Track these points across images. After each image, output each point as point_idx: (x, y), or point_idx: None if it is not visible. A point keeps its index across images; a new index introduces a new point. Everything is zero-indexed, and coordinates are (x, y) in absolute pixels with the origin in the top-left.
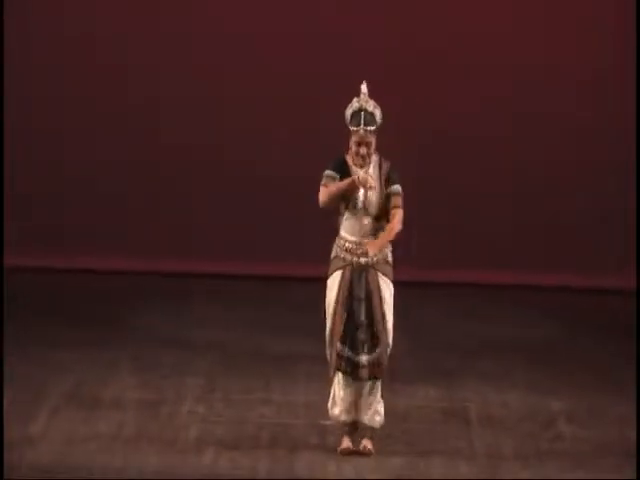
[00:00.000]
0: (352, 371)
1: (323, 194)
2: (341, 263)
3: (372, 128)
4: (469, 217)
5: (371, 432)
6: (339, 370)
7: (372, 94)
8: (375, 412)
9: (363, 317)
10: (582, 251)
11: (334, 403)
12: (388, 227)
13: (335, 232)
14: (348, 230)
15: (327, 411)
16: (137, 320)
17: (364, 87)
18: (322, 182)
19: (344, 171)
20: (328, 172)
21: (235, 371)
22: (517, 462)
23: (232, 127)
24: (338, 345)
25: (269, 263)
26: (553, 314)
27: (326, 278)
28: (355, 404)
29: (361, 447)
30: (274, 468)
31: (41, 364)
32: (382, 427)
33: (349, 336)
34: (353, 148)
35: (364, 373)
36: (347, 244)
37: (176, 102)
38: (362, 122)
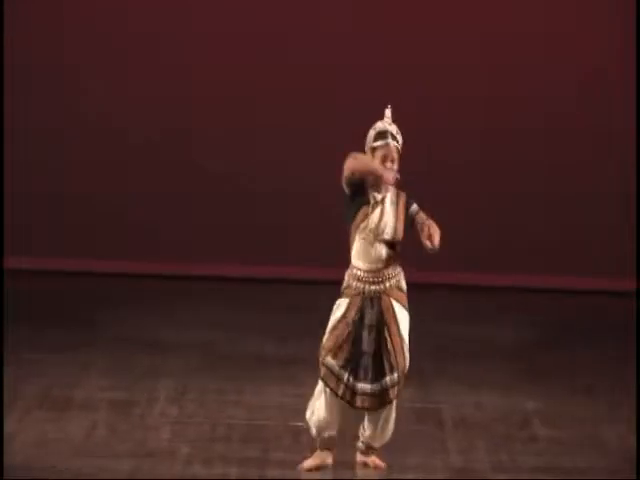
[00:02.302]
0: (350, 397)
1: (354, 161)
2: (352, 292)
3: (398, 145)
4: (444, 216)
5: (375, 449)
6: (334, 392)
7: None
8: (382, 436)
9: (369, 345)
10: (559, 254)
11: (313, 414)
12: (434, 227)
13: (347, 262)
14: (361, 257)
15: (299, 413)
16: (110, 321)
17: (388, 112)
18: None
19: (362, 195)
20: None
21: (207, 372)
22: (491, 463)
23: (219, 129)
24: (332, 363)
25: (242, 265)
26: (528, 316)
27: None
28: (337, 421)
29: (371, 464)
30: (246, 469)
31: (13, 365)
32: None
33: (352, 363)
34: (382, 165)
35: (365, 402)
36: (359, 272)
37: (170, 103)
38: (389, 137)
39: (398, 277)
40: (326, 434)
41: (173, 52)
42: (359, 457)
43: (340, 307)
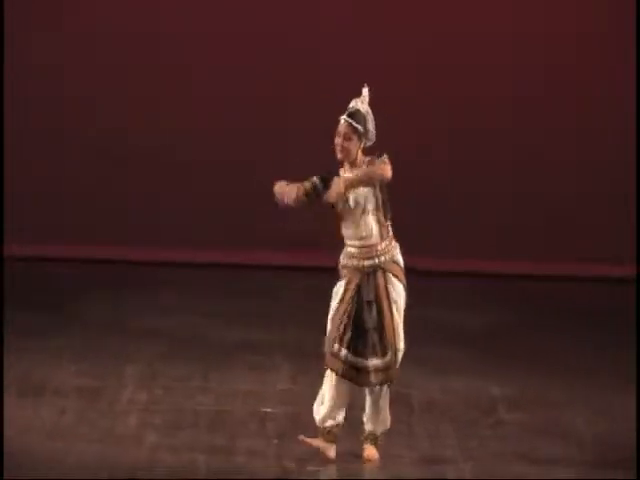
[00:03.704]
0: (357, 377)
1: (292, 191)
2: (347, 271)
3: (354, 123)
4: (419, 202)
5: (375, 438)
6: (335, 373)
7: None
8: (384, 419)
9: (372, 321)
10: (529, 238)
11: (321, 404)
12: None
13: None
14: (349, 235)
15: (265, 399)
16: (78, 307)
17: (365, 91)
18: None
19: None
20: (313, 178)
21: (175, 359)
22: (458, 447)
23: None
24: (337, 347)
25: (211, 251)
26: (497, 301)
27: (273, 268)
28: (341, 410)
29: (365, 455)
30: (213, 455)
31: None
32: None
33: (355, 341)
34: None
35: (373, 378)
36: (352, 249)
37: (169, 102)
38: (347, 114)
39: (393, 252)
40: (328, 424)
41: (173, 52)
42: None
43: (338, 291)
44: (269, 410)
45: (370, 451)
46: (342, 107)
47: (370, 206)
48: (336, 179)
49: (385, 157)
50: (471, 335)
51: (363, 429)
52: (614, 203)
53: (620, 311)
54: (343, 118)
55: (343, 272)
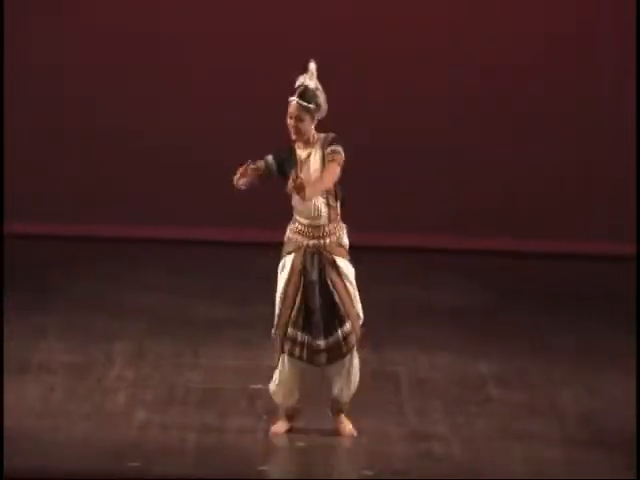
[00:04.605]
0: (309, 356)
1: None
2: (292, 247)
3: (305, 103)
4: (404, 178)
5: (345, 407)
6: (287, 354)
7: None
8: (354, 386)
9: (317, 301)
10: (520, 216)
11: (276, 385)
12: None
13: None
14: (299, 212)
15: (255, 376)
16: (66, 285)
17: (312, 65)
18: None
19: (289, 159)
20: (267, 157)
21: (164, 336)
22: (446, 424)
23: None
24: (289, 330)
25: (199, 228)
26: (487, 279)
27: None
28: (298, 387)
29: (347, 430)
30: (203, 433)
31: None
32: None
33: (304, 321)
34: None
35: (323, 358)
36: (300, 226)
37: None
38: (297, 95)
39: (339, 233)
40: (290, 402)
41: (173, 52)
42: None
43: (285, 268)
44: (260, 386)
45: (347, 425)
46: (343, 106)
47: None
48: (293, 173)
49: (335, 147)
50: (460, 313)
51: (334, 400)
52: (614, 179)
53: (619, 289)
54: (293, 99)
55: (287, 246)
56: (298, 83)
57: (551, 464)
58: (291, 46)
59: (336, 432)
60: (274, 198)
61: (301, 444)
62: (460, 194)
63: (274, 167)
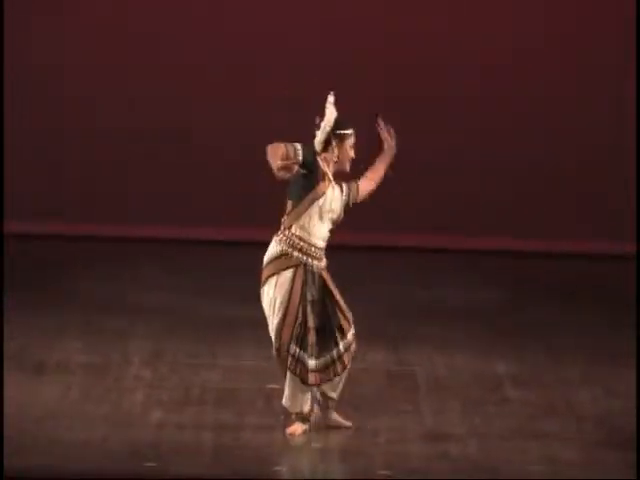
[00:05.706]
0: (301, 373)
1: (278, 154)
2: (292, 262)
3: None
4: (404, 178)
5: (335, 403)
6: (295, 374)
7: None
8: (341, 386)
9: (313, 321)
10: (520, 216)
11: (290, 400)
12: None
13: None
14: (310, 231)
15: (272, 375)
16: (84, 285)
17: (331, 98)
18: (284, 144)
19: (315, 167)
20: (298, 146)
21: (181, 336)
22: (464, 425)
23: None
24: (294, 349)
25: (214, 228)
26: (501, 278)
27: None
28: (313, 394)
29: (343, 423)
30: (220, 433)
31: None
32: None
33: (301, 338)
34: (349, 154)
35: (312, 378)
36: (303, 244)
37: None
38: (340, 125)
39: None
40: (306, 409)
41: (173, 52)
42: (328, 419)
43: (284, 285)
44: (276, 387)
45: (338, 417)
46: (343, 106)
47: (336, 215)
48: (325, 182)
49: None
50: (477, 313)
51: (328, 399)
52: (614, 179)
53: (620, 289)
54: (351, 131)
55: (283, 260)
56: (334, 114)
57: (568, 464)
58: (291, 46)
59: (335, 424)
60: (274, 198)
61: (317, 445)
62: (460, 194)
63: (307, 168)
